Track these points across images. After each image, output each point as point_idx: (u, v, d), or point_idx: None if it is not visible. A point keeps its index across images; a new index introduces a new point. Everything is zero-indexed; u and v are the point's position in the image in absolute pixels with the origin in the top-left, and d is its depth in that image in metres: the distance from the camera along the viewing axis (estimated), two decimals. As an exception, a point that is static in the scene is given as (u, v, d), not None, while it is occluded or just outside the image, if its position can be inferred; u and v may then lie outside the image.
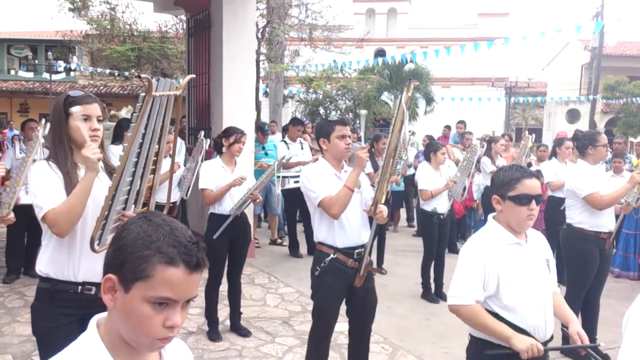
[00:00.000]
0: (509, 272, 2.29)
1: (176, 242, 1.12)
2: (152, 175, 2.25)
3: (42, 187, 2.18)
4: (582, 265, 4.28)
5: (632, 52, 26.19)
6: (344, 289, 3.28)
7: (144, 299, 1.10)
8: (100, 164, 2.31)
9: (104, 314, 1.23)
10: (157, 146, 2.22)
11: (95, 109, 2.28)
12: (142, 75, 2.21)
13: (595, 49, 21.29)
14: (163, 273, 1.10)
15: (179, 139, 4.38)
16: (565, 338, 2.55)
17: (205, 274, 3.43)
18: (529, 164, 7.93)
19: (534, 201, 2.31)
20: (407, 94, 3.00)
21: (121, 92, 20.60)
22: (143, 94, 2.04)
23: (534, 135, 8.10)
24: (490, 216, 2.48)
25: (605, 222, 4.28)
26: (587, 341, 2.31)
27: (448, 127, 11.73)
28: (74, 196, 2.14)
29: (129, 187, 2.16)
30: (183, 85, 2.27)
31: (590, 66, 22.72)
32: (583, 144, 4.35)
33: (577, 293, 4.30)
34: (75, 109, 2.20)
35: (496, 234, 2.38)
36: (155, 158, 2.23)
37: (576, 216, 4.33)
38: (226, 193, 4.50)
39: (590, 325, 4.30)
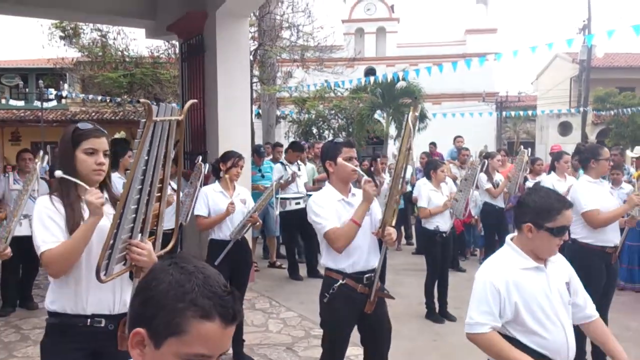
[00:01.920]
0: (526, 297, 2.23)
1: (211, 293, 1.04)
2: (157, 203, 2.19)
3: (41, 225, 2.16)
4: (589, 281, 4.19)
5: (619, 63, 26.47)
6: (354, 315, 3.18)
7: (177, 355, 1.03)
8: (105, 195, 2.27)
9: None
10: (161, 173, 2.17)
11: (102, 142, 2.25)
12: (142, 100, 2.18)
13: (583, 62, 21.50)
14: (198, 328, 1.02)
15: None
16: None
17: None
18: (525, 179, 7.91)
19: (566, 232, 2.29)
20: (413, 113, 2.96)
21: (114, 118, 20.54)
22: (143, 120, 1.99)
23: (529, 149, 8.08)
24: (507, 238, 2.41)
25: (611, 237, 4.24)
26: None
27: (434, 144, 11.72)
28: (73, 241, 2.11)
29: (134, 215, 2.10)
30: (185, 111, 2.23)
31: (579, 78, 22.92)
32: (585, 157, 4.33)
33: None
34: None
35: (514, 258, 2.32)
36: (160, 185, 2.17)
37: (580, 231, 4.27)
38: (219, 222, 4.47)
39: (598, 341, 4.23)
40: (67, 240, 2.13)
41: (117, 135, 17.58)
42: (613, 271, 4.35)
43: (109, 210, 2.26)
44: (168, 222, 4.83)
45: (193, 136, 7.58)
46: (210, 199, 4.54)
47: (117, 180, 4.40)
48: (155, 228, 2.23)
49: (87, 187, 2.14)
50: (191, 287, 1.04)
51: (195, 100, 2.74)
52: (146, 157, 2.05)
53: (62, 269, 2.15)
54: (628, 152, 9.44)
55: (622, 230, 4.42)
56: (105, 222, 2.13)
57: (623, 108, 21.48)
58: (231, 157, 4.57)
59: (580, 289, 2.45)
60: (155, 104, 2.05)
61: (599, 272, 4.19)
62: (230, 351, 4.62)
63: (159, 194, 2.17)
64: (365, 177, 3.16)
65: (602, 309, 4.30)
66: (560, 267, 2.41)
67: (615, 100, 22.62)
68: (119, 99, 17.24)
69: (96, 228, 2.13)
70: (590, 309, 2.45)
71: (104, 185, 2.34)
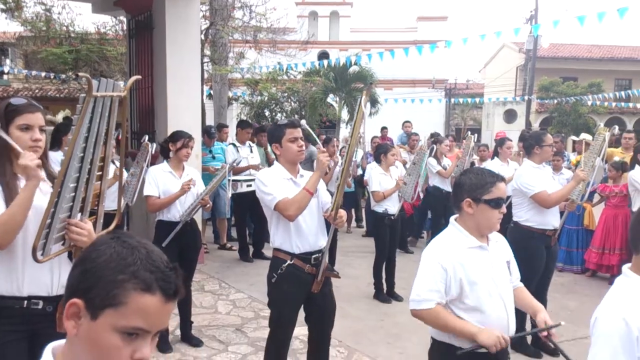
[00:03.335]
0: (471, 275, 2.30)
1: (153, 267, 1.02)
2: (98, 182, 2.11)
3: None
4: (530, 262, 4.37)
5: (564, 54, 27.36)
6: (301, 295, 3.21)
7: (114, 328, 1.00)
8: (43, 173, 2.18)
9: (60, 342, 1.11)
10: (102, 151, 2.09)
11: (37, 118, 2.16)
12: (80, 74, 2.09)
13: (529, 51, 22.12)
14: (137, 301, 1.00)
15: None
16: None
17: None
18: (472, 164, 8.11)
19: (503, 204, 2.36)
20: (366, 97, 2.99)
21: (58, 95, 19.76)
22: (83, 95, 1.92)
23: (476, 135, 8.29)
24: (452, 219, 2.48)
25: (551, 220, 4.40)
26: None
27: (386, 129, 11.86)
28: (15, 205, 2.01)
29: (73, 194, 2.03)
30: (129, 87, 2.15)
31: (525, 68, 23.60)
32: (530, 143, 4.46)
33: (526, 289, 4.40)
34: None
35: (458, 238, 2.39)
36: (101, 164, 2.10)
37: (523, 214, 4.42)
38: (174, 202, 4.38)
39: (538, 320, 4.41)
40: (8, 208, 2.02)
41: (61, 114, 16.94)
42: (553, 253, 4.54)
43: (46, 189, 2.17)
44: (112, 202, 4.69)
45: (141, 115, 7.38)
46: (160, 179, 4.44)
47: (59, 160, 4.25)
48: (96, 208, 2.16)
49: (20, 149, 2.03)
50: (133, 260, 1.02)
51: (139, 77, 2.66)
52: (86, 134, 1.98)
53: (7, 237, 2.03)
54: (572, 137, 9.81)
55: (561, 213, 4.60)
56: (42, 202, 2.05)
57: (566, 97, 22.29)
58: (181, 138, 4.47)
59: (515, 269, 2.57)
60: (97, 79, 1.98)
61: (539, 253, 4.36)
62: (178, 332, 4.59)
63: (100, 173, 2.10)
64: (321, 147, 3.17)
65: (542, 289, 4.49)
66: (502, 246, 2.51)
67: (558, 89, 23.45)
68: (63, 76, 16.57)
69: (32, 207, 2.05)
70: (515, 281, 2.57)
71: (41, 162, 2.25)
